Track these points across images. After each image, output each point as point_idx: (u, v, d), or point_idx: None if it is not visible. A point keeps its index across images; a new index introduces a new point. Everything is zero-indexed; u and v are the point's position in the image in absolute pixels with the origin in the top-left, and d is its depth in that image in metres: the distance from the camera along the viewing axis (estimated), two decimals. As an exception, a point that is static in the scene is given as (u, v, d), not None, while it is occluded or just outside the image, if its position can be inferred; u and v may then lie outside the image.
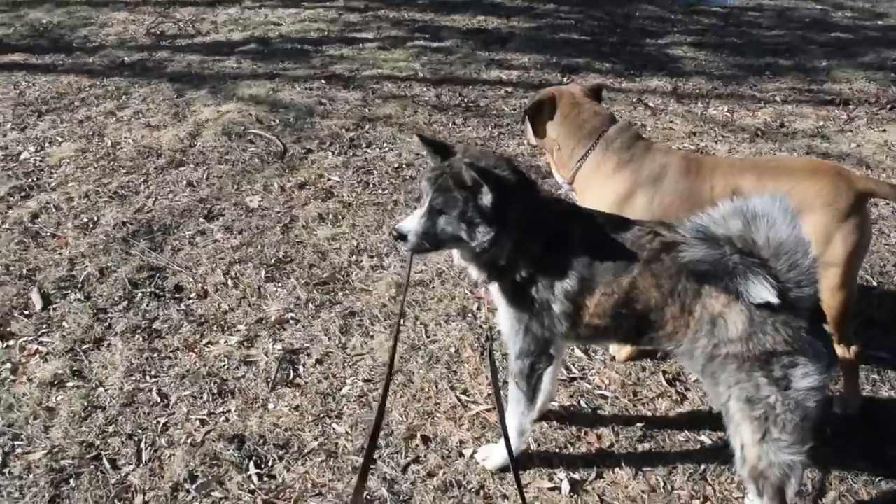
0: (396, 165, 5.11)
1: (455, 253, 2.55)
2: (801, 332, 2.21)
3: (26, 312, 3.58)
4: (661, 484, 2.82)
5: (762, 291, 2.14)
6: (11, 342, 3.40)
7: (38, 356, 3.33)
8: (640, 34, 8.64)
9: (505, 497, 2.74)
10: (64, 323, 3.53)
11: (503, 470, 2.80)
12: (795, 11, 10.13)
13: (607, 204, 2.96)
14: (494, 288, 2.54)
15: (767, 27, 9.19)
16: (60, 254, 4.00)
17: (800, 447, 2.29)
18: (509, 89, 6.64)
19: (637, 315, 2.40)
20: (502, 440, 2.56)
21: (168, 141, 5.30)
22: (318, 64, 7.02)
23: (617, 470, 2.86)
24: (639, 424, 3.08)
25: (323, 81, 6.53)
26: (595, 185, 3.15)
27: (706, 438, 3.03)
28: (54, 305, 3.63)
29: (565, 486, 2.77)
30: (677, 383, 3.31)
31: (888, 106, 6.62)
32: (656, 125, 6.03)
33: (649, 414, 3.15)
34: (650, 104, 6.45)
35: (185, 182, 4.77)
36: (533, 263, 2.42)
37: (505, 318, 2.56)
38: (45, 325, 3.51)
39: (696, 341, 2.33)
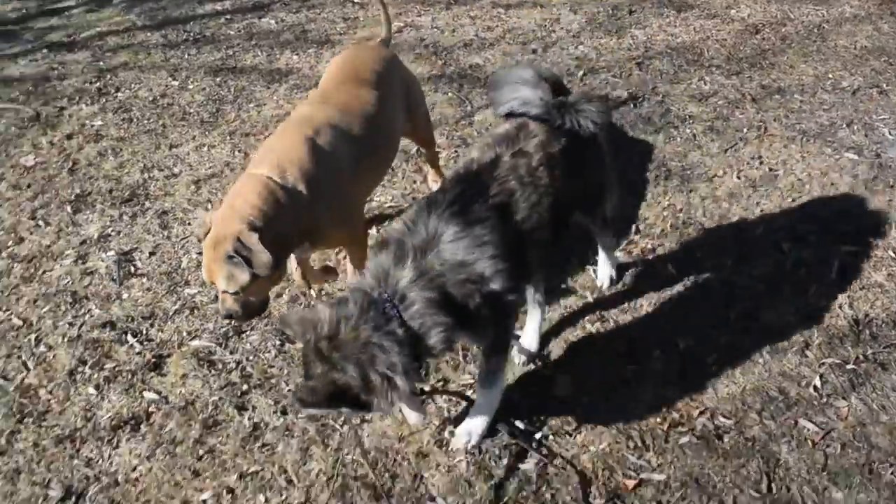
0: (151, 98, 5.50)
1: None
2: None
3: None
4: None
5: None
6: None
7: None
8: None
9: (326, 294, 3.52)
10: None
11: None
12: None
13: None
14: None
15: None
16: None
17: None
18: (228, 16, 7.09)
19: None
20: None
21: None
22: (32, 38, 6.98)
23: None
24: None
25: (46, 51, 6.57)
26: None
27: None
28: None
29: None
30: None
31: None
32: (367, 15, 6.84)
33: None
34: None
35: (-52, 164, 4.86)
36: None
37: None
38: None
39: (584, 162, 2.96)
